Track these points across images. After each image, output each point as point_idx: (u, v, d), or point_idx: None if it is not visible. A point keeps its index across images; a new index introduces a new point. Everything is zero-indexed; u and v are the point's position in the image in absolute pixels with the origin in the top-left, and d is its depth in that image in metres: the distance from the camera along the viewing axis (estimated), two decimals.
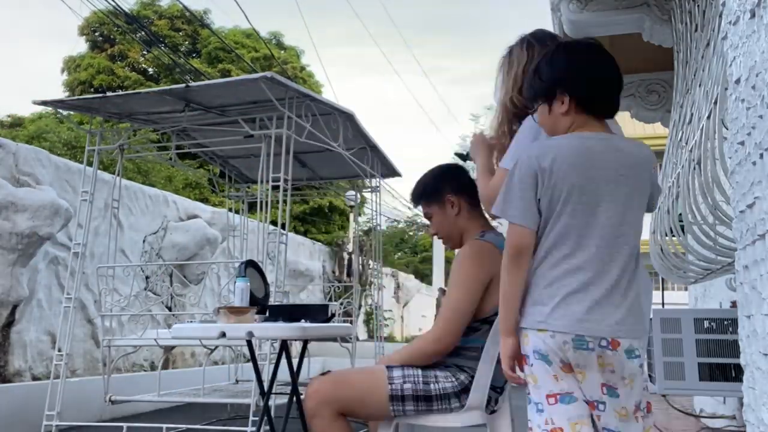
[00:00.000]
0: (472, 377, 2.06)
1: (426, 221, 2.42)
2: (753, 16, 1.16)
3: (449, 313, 2.07)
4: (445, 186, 2.27)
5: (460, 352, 2.10)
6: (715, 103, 2.12)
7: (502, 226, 2.33)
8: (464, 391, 2.06)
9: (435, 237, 2.36)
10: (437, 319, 2.12)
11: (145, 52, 16.57)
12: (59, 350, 4.32)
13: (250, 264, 3.37)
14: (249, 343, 2.80)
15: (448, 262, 23.50)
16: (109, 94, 4.37)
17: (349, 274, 12.64)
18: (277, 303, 3.96)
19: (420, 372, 2.07)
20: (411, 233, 31.02)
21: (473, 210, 2.27)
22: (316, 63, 40.51)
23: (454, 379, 2.07)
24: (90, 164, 4.53)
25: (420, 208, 2.33)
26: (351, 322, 6.07)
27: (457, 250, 2.28)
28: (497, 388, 2.13)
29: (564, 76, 1.61)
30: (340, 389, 2.05)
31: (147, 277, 6.79)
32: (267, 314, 2.99)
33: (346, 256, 13.08)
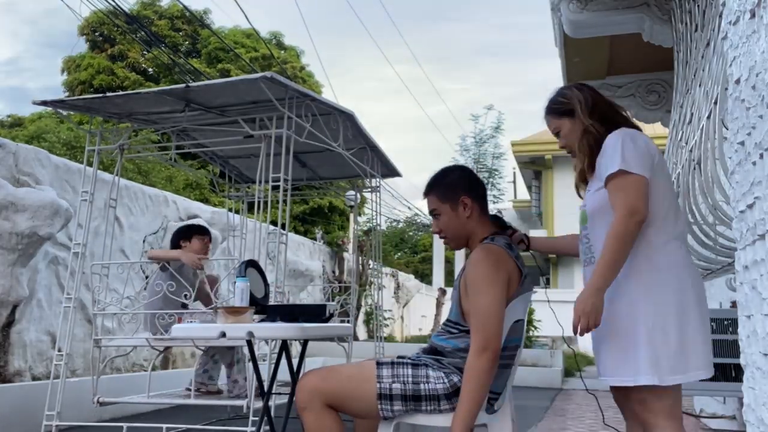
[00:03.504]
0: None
1: (426, 222, 2.42)
2: (753, 16, 1.16)
3: (485, 319, 2.01)
4: (462, 187, 2.24)
5: (458, 354, 2.09)
6: (715, 103, 2.12)
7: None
8: (456, 393, 2.04)
9: (438, 236, 2.34)
10: (473, 332, 2.03)
11: (145, 52, 16.57)
12: (59, 350, 4.31)
13: (251, 264, 3.37)
14: (249, 343, 2.80)
15: (448, 262, 23.48)
16: (109, 94, 4.36)
17: (342, 271, 12.65)
18: (276, 303, 3.96)
19: (410, 371, 2.06)
20: (411, 233, 31.03)
21: (483, 215, 2.26)
22: (316, 63, 40.48)
23: (446, 380, 2.05)
24: (90, 164, 4.53)
25: (427, 201, 2.29)
26: (348, 322, 6.06)
27: (462, 255, 2.27)
28: (495, 393, 2.11)
29: None
30: (329, 381, 2.05)
31: (147, 277, 6.79)
32: (266, 314, 2.99)
33: (346, 256, 13.07)
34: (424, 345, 2.31)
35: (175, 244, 4.58)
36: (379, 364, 2.08)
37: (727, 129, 1.47)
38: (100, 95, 4.35)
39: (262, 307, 3.12)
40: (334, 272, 12.69)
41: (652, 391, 1.90)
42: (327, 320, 2.94)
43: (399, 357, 2.19)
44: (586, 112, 2.09)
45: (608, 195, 1.95)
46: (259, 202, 4.28)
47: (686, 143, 2.69)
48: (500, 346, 2.01)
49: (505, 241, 2.20)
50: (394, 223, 27.60)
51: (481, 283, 2.05)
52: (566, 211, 18.70)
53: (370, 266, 12.60)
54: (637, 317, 1.90)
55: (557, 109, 2.16)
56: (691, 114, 2.68)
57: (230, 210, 6.61)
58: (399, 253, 30.42)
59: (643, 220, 1.89)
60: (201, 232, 4.67)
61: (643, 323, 1.89)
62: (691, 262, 2.01)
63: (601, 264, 1.89)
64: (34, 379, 5.24)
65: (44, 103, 4.47)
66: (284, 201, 4.20)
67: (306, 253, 11.28)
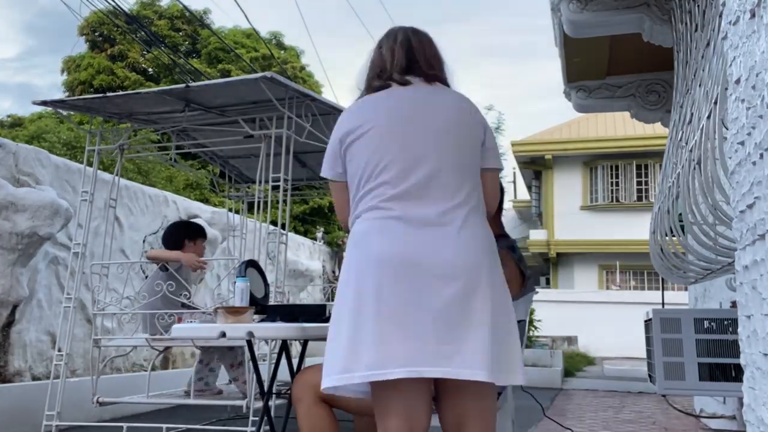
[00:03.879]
0: None
1: None
2: (753, 16, 1.16)
3: None
4: None
5: None
6: (715, 103, 2.12)
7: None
8: None
9: None
10: None
11: (145, 52, 16.57)
12: (59, 350, 4.32)
13: (251, 264, 3.37)
14: (248, 344, 2.80)
15: None
16: (109, 94, 4.36)
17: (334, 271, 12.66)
18: (276, 303, 3.96)
19: None
20: None
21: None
22: (316, 63, 40.43)
23: None
24: (90, 164, 4.53)
25: None
26: None
27: None
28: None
29: None
30: None
31: (146, 277, 6.79)
32: (266, 314, 2.99)
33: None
34: None
35: (177, 241, 4.52)
36: None
37: (727, 129, 1.47)
38: (100, 95, 4.35)
39: (262, 307, 3.12)
40: (334, 272, 12.70)
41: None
42: (327, 320, 2.93)
43: None
44: None
45: None
46: (259, 202, 4.28)
47: (686, 143, 2.69)
48: None
49: (507, 243, 2.20)
50: None
51: None
52: (566, 211, 18.71)
53: None
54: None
55: None
56: (691, 114, 2.68)
57: (230, 210, 6.61)
58: None
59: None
60: (203, 234, 4.64)
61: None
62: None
63: None
64: (34, 379, 5.24)
65: (44, 103, 4.47)
66: (284, 201, 4.20)
67: (306, 253, 11.28)
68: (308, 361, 5.36)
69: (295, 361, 3.08)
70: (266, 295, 3.46)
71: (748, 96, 1.20)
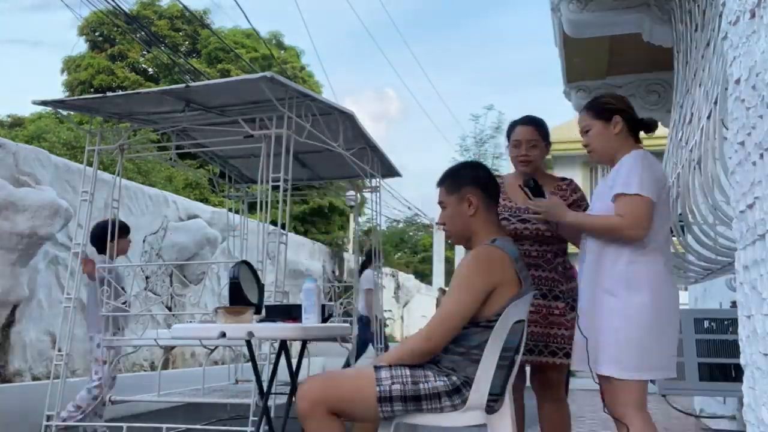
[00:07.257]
0: (465, 379, 2.05)
1: (427, 222, 2.44)
2: (753, 16, 1.16)
3: (444, 314, 2.08)
4: (470, 183, 2.24)
5: (456, 350, 2.10)
6: (715, 103, 2.12)
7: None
8: (456, 391, 2.05)
9: (441, 228, 2.37)
10: (431, 318, 2.12)
11: (145, 52, 16.57)
12: (59, 350, 4.31)
13: (243, 264, 3.37)
14: (248, 343, 2.80)
15: (448, 262, 23.46)
16: (109, 94, 4.36)
17: (342, 271, 12.65)
18: (277, 303, 3.96)
19: (408, 372, 2.06)
20: (411, 233, 31.05)
21: (488, 213, 2.25)
22: (316, 63, 40.45)
23: (446, 378, 2.06)
24: (90, 164, 4.53)
25: (438, 192, 2.31)
26: (351, 323, 6.05)
27: (462, 254, 2.27)
28: (494, 394, 2.11)
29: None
30: (330, 389, 2.06)
31: (147, 278, 6.80)
32: (263, 314, 2.98)
33: (346, 256, 13.07)
34: None
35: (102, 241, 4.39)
36: (377, 367, 2.08)
37: (727, 129, 1.47)
38: (100, 95, 4.34)
39: (256, 307, 3.12)
40: (334, 272, 12.70)
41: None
42: (326, 320, 2.93)
43: None
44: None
45: (616, 207, 2.14)
46: (259, 203, 4.28)
47: (686, 143, 2.69)
48: (441, 344, 2.08)
49: (506, 243, 2.19)
50: (394, 223, 27.61)
51: (457, 283, 2.12)
52: None
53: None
54: (613, 318, 2.15)
55: (598, 109, 2.32)
56: (691, 114, 2.68)
57: (230, 210, 6.61)
58: (399, 253, 30.43)
59: (638, 239, 2.12)
60: (125, 232, 4.51)
61: (617, 323, 2.15)
62: (670, 281, 2.25)
63: (584, 219, 2.29)
64: (34, 379, 5.24)
65: (44, 103, 4.47)
66: (284, 201, 4.19)
67: (306, 253, 11.28)
68: (312, 362, 5.34)
69: (294, 362, 3.07)
70: (260, 296, 3.45)
71: (748, 96, 1.20)
